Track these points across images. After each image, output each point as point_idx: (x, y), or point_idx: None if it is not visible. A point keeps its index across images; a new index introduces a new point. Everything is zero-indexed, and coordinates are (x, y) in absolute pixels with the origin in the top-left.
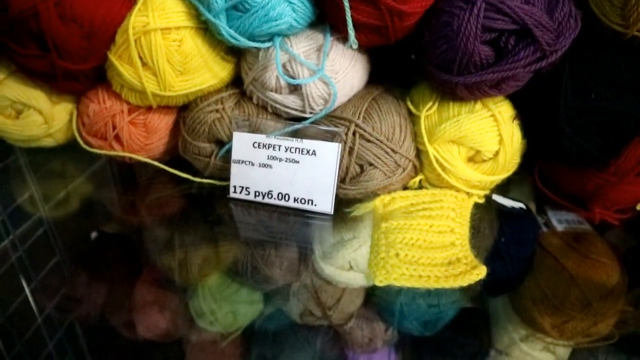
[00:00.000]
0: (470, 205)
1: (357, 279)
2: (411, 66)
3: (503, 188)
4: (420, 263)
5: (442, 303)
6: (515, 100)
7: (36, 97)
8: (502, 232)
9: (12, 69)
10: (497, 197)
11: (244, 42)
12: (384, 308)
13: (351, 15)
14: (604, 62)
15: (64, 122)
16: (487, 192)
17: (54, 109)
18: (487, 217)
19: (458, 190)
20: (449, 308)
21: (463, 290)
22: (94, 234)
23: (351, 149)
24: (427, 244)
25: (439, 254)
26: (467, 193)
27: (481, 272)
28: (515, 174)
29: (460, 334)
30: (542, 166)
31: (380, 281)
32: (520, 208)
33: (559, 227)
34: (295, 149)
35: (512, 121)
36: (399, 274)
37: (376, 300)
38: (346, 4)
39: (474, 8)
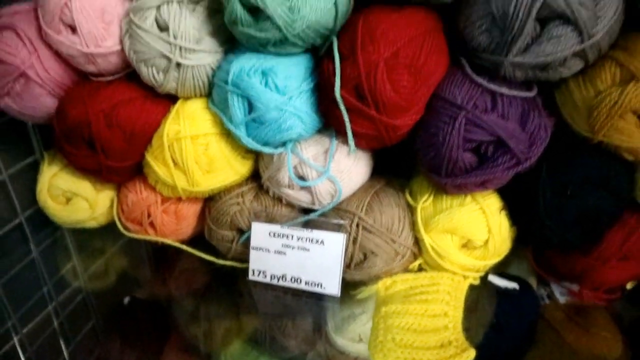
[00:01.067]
0: (465, 287)
1: (366, 351)
2: (411, 160)
3: (504, 263)
4: (414, 347)
5: None
6: (503, 192)
7: (83, 186)
8: (501, 309)
9: (64, 163)
10: (492, 278)
11: (261, 148)
12: None
13: (351, 128)
14: (577, 162)
15: (106, 207)
16: (482, 273)
17: (98, 196)
18: (484, 296)
19: (455, 272)
20: None
21: None
22: (127, 300)
23: (355, 239)
24: (421, 327)
25: (432, 338)
26: (464, 275)
27: (470, 354)
28: (516, 248)
29: None
30: (535, 247)
31: None
32: (514, 289)
33: (562, 299)
34: (306, 238)
35: (499, 212)
36: (394, 358)
37: None
38: (346, 120)
39: (455, 123)
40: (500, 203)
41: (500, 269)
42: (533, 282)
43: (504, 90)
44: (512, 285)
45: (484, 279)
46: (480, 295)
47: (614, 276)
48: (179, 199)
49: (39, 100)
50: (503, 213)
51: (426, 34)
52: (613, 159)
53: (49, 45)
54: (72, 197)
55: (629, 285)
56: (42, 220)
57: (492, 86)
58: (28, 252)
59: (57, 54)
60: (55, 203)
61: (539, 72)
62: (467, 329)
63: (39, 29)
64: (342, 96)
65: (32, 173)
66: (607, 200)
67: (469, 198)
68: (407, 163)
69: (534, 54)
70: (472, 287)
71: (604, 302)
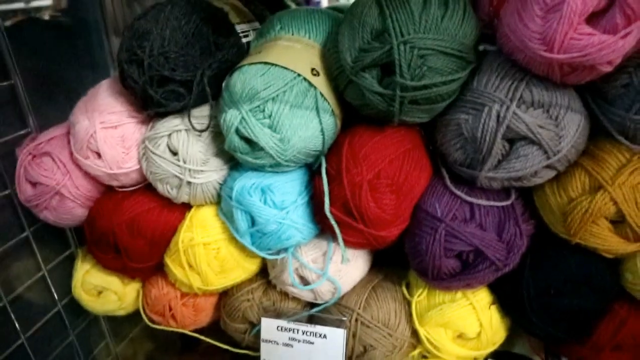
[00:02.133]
0: None
1: None
2: None
3: (509, 341)
4: None
5: None
6: (493, 287)
7: (112, 282)
8: None
9: (94, 262)
10: None
11: (264, 255)
12: None
13: (342, 238)
14: (559, 262)
15: (133, 298)
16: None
17: (126, 289)
18: None
19: None
20: None
21: None
22: None
23: (354, 334)
24: None
25: None
26: None
27: None
28: None
29: None
30: None
31: None
32: None
33: None
34: (310, 332)
35: (489, 307)
36: None
37: None
38: (338, 234)
39: (436, 234)
40: (490, 297)
41: (505, 346)
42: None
43: (482, 201)
44: None
45: None
46: None
47: None
48: (197, 294)
49: (72, 212)
50: (493, 307)
51: (406, 153)
52: (594, 258)
53: (79, 167)
54: (103, 290)
55: None
56: (78, 307)
57: (470, 198)
58: (66, 336)
59: (86, 173)
60: (88, 296)
61: (514, 182)
62: None
63: (71, 153)
64: (332, 212)
65: (68, 264)
66: (591, 297)
67: (459, 294)
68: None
69: (505, 170)
70: None
71: None
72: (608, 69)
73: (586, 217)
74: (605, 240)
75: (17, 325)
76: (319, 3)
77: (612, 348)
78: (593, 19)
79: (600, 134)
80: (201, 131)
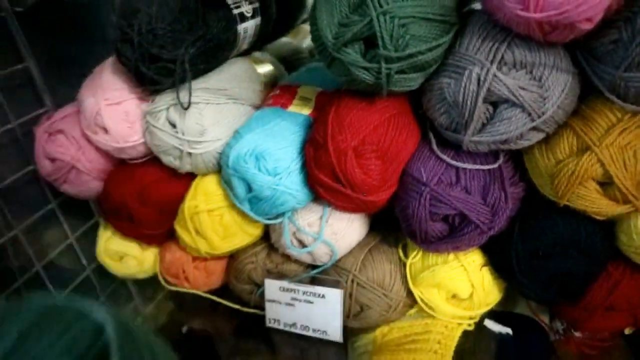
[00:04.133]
0: (456, 335)
1: None
2: None
3: (510, 297)
4: None
5: None
6: (485, 249)
7: (131, 247)
8: (509, 350)
9: (114, 230)
10: (488, 323)
11: (262, 220)
12: None
13: (333, 203)
14: (547, 225)
15: (152, 262)
16: (475, 320)
17: (144, 254)
18: (482, 340)
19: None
20: None
21: None
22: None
23: (351, 294)
24: None
25: None
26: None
27: None
28: None
29: None
30: None
31: None
32: (507, 334)
33: (578, 334)
34: (310, 292)
35: (481, 269)
36: None
37: None
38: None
39: (421, 198)
40: (482, 259)
41: (509, 306)
42: (546, 317)
43: (467, 165)
44: (506, 330)
45: (478, 325)
46: (478, 339)
47: (603, 326)
48: (206, 258)
49: (88, 185)
50: (485, 269)
51: (391, 118)
52: (584, 220)
53: (90, 142)
54: (124, 256)
55: (627, 331)
56: (105, 272)
57: (455, 162)
58: (97, 298)
59: (97, 148)
60: (111, 261)
61: (501, 144)
62: None
63: (82, 129)
64: (320, 179)
65: (93, 232)
66: (580, 260)
67: (451, 256)
68: None
69: (490, 133)
70: (469, 332)
71: (596, 350)
72: (589, 26)
73: (573, 179)
74: (594, 202)
75: (51, 288)
76: None
77: (606, 309)
78: None
79: (592, 93)
80: (185, 108)
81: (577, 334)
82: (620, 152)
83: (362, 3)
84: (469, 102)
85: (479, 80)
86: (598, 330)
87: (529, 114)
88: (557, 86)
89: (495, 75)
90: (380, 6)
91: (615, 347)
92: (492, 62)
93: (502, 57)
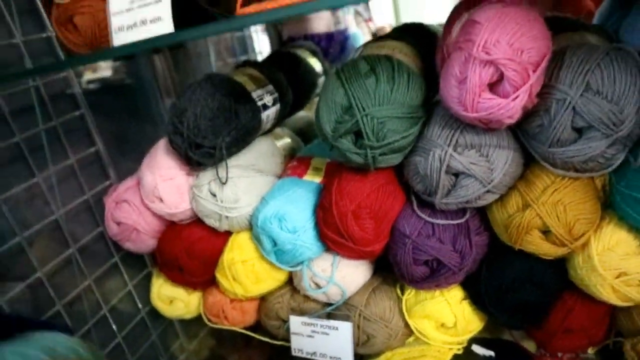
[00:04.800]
0: (448, 357)
1: None
2: None
3: (500, 329)
4: None
5: None
6: (464, 285)
7: (179, 292)
8: None
9: (165, 278)
10: (475, 347)
11: (286, 267)
12: None
13: (339, 253)
14: (507, 265)
15: (196, 304)
16: (463, 345)
17: (190, 297)
18: None
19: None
20: None
21: None
22: None
23: (359, 326)
24: None
25: None
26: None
27: None
28: None
29: None
30: None
31: None
32: (490, 357)
33: (565, 357)
34: (326, 326)
35: (461, 302)
36: None
37: None
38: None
39: (405, 248)
40: (462, 294)
41: (496, 334)
42: (532, 345)
43: (440, 221)
44: (490, 353)
45: (466, 349)
46: None
47: (565, 345)
48: (242, 300)
49: (146, 243)
50: (465, 302)
51: (380, 187)
52: (536, 260)
53: (148, 209)
54: (173, 299)
55: (590, 350)
56: (156, 313)
57: (430, 219)
58: (149, 336)
59: (154, 213)
60: (162, 304)
61: (465, 204)
62: None
63: (142, 199)
64: (329, 235)
65: (147, 280)
66: (535, 292)
67: (437, 292)
68: None
69: (454, 197)
70: (458, 356)
71: None
72: (512, 121)
73: (521, 229)
74: (540, 246)
75: (114, 328)
76: (341, 51)
77: (564, 332)
78: (494, 86)
79: (534, 160)
80: (223, 183)
81: (565, 357)
82: (553, 208)
83: (350, 107)
84: (435, 175)
85: (440, 159)
86: (562, 349)
87: (481, 182)
88: (501, 159)
89: (452, 155)
90: (364, 109)
91: None
92: (449, 145)
93: (457, 141)
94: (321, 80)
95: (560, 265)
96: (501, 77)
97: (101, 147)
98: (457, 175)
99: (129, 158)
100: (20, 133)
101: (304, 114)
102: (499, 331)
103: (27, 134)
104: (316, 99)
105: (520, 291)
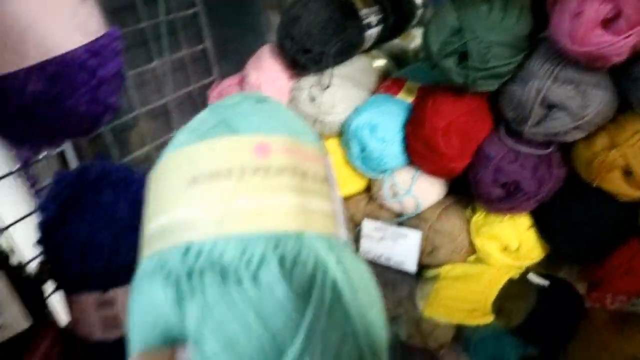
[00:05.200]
0: (502, 280)
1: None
2: None
3: (555, 268)
4: (451, 307)
5: None
6: (534, 214)
7: None
8: (543, 303)
9: None
10: (530, 276)
11: (369, 174)
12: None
13: (422, 166)
14: (582, 199)
15: None
16: (521, 271)
17: None
18: (525, 289)
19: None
20: None
21: None
22: None
23: (427, 237)
24: (460, 298)
25: (466, 306)
26: (505, 271)
27: (488, 319)
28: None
29: None
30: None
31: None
32: (544, 286)
33: (612, 306)
34: (396, 232)
35: (527, 229)
36: (437, 311)
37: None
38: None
39: (486, 170)
40: (530, 222)
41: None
42: (583, 287)
43: (524, 149)
44: (545, 282)
45: (523, 275)
46: (521, 287)
47: (621, 287)
48: None
49: None
50: (531, 229)
51: (472, 110)
52: (611, 200)
53: None
54: None
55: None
56: None
57: (515, 146)
58: None
59: None
60: None
61: (552, 137)
62: (510, 312)
63: None
64: (416, 147)
65: None
66: (605, 230)
67: (507, 217)
68: None
69: (543, 128)
70: (514, 281)
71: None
72: (619, 59)
73: (603, 167)
74: (619, 186)
75: None
76: None
77: (624, 272)
78: (607, 24)
79: (629, 106)
80: (326, 87)
81: (612, 306)
82: (639, 151)
83: (459, 30)
84: (529, 104)
85: (538, 89)
86: (617, 289)
87: (573, 117)
88: (596, 99)
89: (549, 87)
90: (474, 32)
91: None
92: (548, 78)
93: (557, 75)
94: (419, 12)
95: (633, 210)
96: (617, 15)
97: (209, 46)
98: (550, 107)
99: (230, 60)
100: (146, 20)
101: (399, 42)
102: (554, 270)
103: (151, 22)
104: (412, 30)
105: (590, 226)
